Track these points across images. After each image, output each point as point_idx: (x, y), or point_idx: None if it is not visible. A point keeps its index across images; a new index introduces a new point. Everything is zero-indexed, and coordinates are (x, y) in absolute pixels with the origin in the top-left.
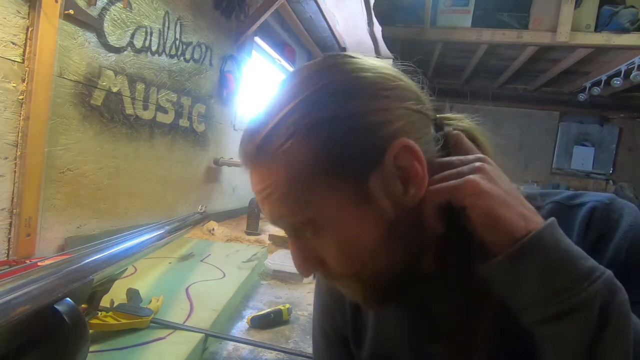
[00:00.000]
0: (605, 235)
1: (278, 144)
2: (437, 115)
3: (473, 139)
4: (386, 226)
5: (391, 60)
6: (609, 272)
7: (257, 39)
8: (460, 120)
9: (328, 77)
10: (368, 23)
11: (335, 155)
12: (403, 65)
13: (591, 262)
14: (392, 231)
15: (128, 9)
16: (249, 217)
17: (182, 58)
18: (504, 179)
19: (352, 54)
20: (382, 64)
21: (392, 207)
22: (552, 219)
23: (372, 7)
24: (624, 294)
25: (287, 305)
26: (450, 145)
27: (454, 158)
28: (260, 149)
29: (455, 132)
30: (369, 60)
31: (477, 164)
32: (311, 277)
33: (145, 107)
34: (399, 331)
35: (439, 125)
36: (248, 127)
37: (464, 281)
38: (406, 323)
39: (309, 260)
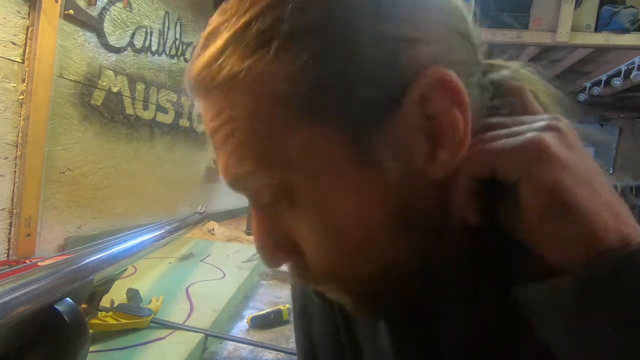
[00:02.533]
0: None
1: (240, 60)
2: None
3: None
4: (391, 204)
5: None
6: None
7: None
8: (516, 71)
9: None
10: None
11: (325, 85)
12: None
13: None
14: (399, 213)
15: (128, 9)
16: (249, 217)
17: (182, 58)
18: (585, 152)
19: None
20: None
21: (406, 176)
22: None
23: None
24: None
25: (287, 305)
26: (503, 102)
27: (509, 119)
28: (215, 67)
29: (515, 83)
30: None
31: (548, 121)
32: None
33: (145, 107)
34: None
35: (484, 72)
36: (202, 37)
37: (496, 306)
38: (400, 349)
39: (280, 246)
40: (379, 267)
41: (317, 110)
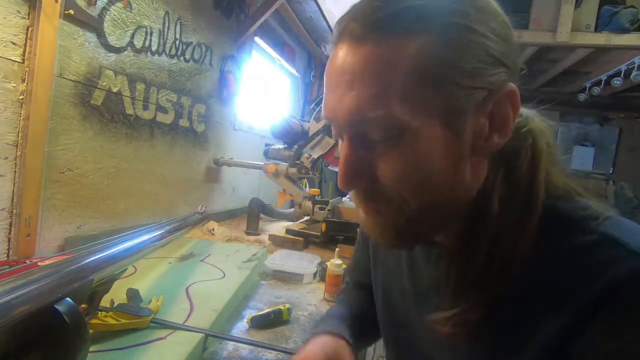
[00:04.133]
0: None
1: (401, 24)
2: None
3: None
4: (457, 161)
5: None
6: None
7: (257, 39)
8: (532, 119)
9: None
10: None
11: (451, 62)
12: None
13: None
14: (460, 169)
15: (128, 9)
16: (249, 217)
17: (182, 58)
18: None
19: None
20: None
21: (470, 147)
22: None
23: None
24: None
25: (287, 305)
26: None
27: None
28: (379, 21)
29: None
30: None
31: None
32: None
33: (146, 107)
34: (400, 282)
35: None
36: None
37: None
38: (407, 277)
39: (361, 174)
40: (430, 203)
41: (438, 79)
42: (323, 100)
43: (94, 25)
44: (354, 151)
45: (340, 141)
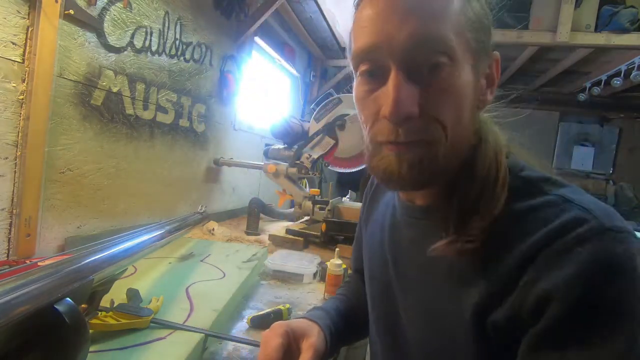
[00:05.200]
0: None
1: None
2: None
3: None
4: (474, 105)
5: None
6: None
7: (257, 39)
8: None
9: None
10: None
11: (483, 16)
12: None
13: None
14: (474, 114)
15: (128, 9)
16: (249, 217)
17: (182, 58)
18: None
19: None
20: None
21: (480, 97)
22: None
23: None
24: None
25: (287, 305)
26: None
27: None
28: None
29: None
30: None
31: None
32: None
33: (145, 107)
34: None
35: None
36: None
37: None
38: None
39: (413, 102)
40: (458, 138)
41: (476, 28)
42: (363, 32)
43: (94, 25)
44: (405, 79)
45: (368, 79)
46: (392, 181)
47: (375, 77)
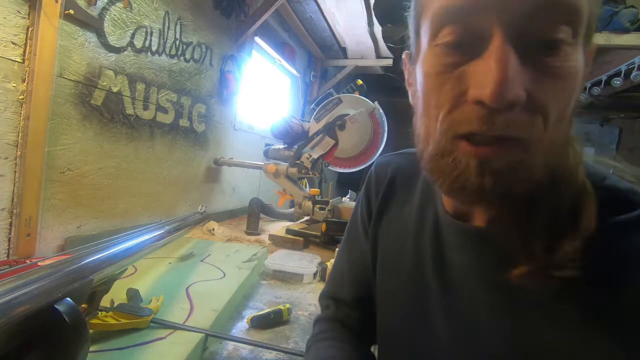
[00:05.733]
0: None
1: None
2: None
3: None
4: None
5: (391, 60)
6: None
7: (257, 39)
8: None
9: None
10: (368, 23)
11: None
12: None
13: None
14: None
15: (128, 9)
16: (249, 217)
17: (182, 58)
18: None
19: None
20: None
21: None
22: None
23: (372, 7)
24: None
25: (287, 305)
26: None
27: None
28: None
29: None
30: None
31: None
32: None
33: (146, 107)
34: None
35: None
36: None
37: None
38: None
39: (519, 83)
40: (557, 130)
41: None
42: None
43: (94, 25)
44: (512, 52)
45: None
46: (465, 194)
47: (464, 47)
